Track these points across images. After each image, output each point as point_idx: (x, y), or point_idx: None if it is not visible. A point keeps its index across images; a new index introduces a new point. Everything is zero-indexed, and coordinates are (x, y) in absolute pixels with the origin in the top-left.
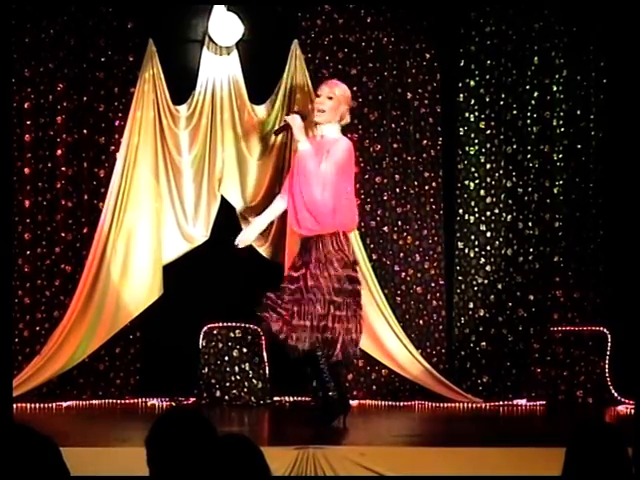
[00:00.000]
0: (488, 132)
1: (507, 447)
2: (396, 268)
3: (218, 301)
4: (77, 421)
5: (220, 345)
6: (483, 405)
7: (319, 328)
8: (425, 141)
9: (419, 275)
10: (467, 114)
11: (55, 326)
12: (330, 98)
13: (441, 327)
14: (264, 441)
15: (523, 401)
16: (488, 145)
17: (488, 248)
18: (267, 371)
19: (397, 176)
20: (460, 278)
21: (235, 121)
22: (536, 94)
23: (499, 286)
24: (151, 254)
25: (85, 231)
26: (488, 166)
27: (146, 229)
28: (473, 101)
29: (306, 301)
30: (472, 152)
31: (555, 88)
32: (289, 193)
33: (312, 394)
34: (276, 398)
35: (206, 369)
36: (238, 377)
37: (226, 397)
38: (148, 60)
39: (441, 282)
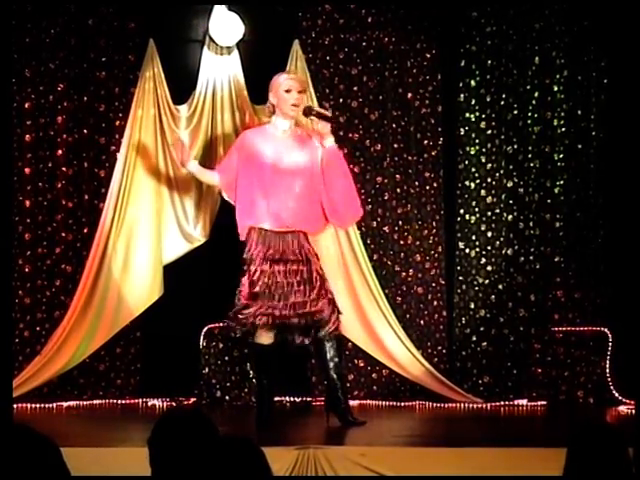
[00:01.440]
0: (489, 132)
1: (508, 447)
2: (397, 268)
3: (219, 301)
4: (77, 421)
5: (221, 345)
6: (484, 405)
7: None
8: (426, 141)
9: (420, 275)
10: (468, 114)
11: (55, 326)
12: (300, 92)
13: (442, 327)
14: (264, 441)
15: (524, 401)
16: (489, 145)
17: (489, 248)
18: None
19: (398, 176)
20: (461, 278)
21: (236, 121)
22: (537, 94)
23: (500, 286)
24: (151, 254)
25: (85, 231)
26: (489, 166)
27: (146, 229)
28: (474, 101)
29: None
30: (473, 152)
31: (556, 88)
32: (327, 190)
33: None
34: (277, 398)
35: (207, 369)
36: (239, 377)
37: (227, 397)
38: (149, 60)
39: (442, 282)
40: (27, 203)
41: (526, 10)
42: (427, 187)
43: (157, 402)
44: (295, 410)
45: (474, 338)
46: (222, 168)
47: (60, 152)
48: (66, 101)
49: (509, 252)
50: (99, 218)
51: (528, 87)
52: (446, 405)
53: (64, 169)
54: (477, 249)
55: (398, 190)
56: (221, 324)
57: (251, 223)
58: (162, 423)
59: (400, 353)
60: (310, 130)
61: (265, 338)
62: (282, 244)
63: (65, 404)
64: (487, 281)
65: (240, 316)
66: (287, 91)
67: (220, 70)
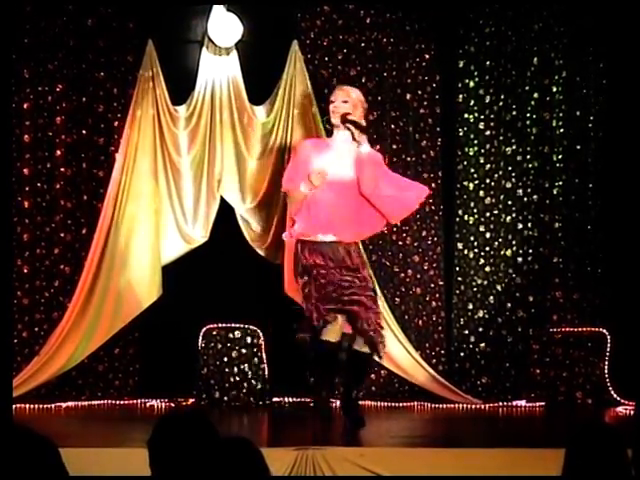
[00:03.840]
0: (487, 133)
1: (506, 448)
2: (395, 269)
3: (217, 302)
4: (76, 422)
5: (219, 346)
6: (482, 406)
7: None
8: (424, 142)
9: (418, 276)
10: (466, 115)
11: (54, 327)
12: (345, 102)
13: (440, 328)
14: (263, 442)
15: (522, 402)
16: (487, 146)
17: (487, 249)
18: (266, 372)
19: None
20: (459, 279)
21: (234, 122)
22: (536, 95)
23: (498, 287)
24: (150, 254)
25: (84, 232)
26: (487, 167)
27: (145, 229)
28: (472, 102)
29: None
30: (471, 153)
31: (555, 89)
32: (376, 193)
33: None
34: (275, 399)
35: (205, 370)
36: (237, 378)
37: (225, 398)
38: (147, 61)
39: (440, 283)
40: (26, 204)
41: (525, 11)
42: None
43: (156, 403)
44: (294, 410)
45: (472, 339)
46: (288, 178)
47: (59, 153)
48: (65, 102)
49: (508, 253)
50: (98, 219)
51: (527, 88)
52: (445, 406)
53: (63, 170)
54: (476, 250)
55: None
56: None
57: (303, 232)
58: (162, 424)
59: (399, 354)
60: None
61: (332, 334)
62: (332, 253)
63: (64, 405)
64: (486, 282)
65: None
66: (331, 101)
67: (219, 71)
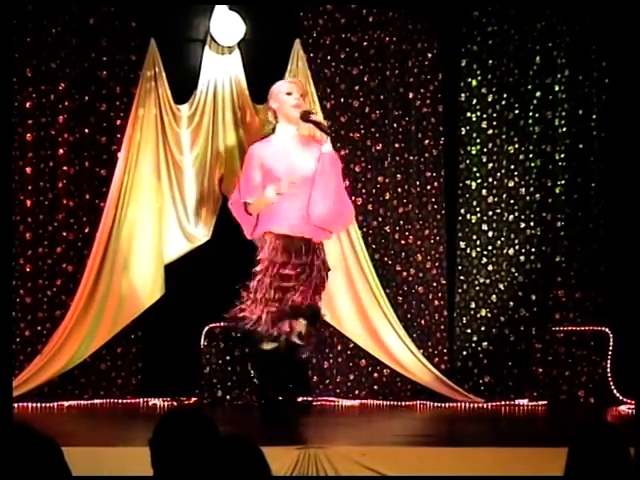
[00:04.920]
0: (490, 132)
1: (508, 447)
2: (398, 268)
3: (220, 301)
4: (78, 421)
5: (222, 345)
6: (485, 405)
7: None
8: (427, 141)
9: (421, 275)
10: (469, 114)
11: (56, 326)
12: (303, 95)
13: (443, 327)
14: (265, 441)
15: (525, 401)
16: (490, 145)
17: (490, 248)
18: None
19: (399, 176)
20: (462, 278)
21: (237, 121)
22: (538, 94)
23: (501, 286)
24: (153, 253)
25: (87, 231)
26: (490, 166)
27: (148, 228)
28: (475, 101)
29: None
30: (474, 152)
31: (557, 88)
32: (317, 194)
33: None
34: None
35: (208, 369)
36: (240, 377)
37: (228, 397)
38: (150, 59)
39: (443, 282)
40: (28, 202)
41: (527, 10)
42: (428, 187)
43: (158, 402)
44: (296, 410)
45: (475, 338)
46: (249, 192)
47: (61, 151)
48: (67, 100)
49: (510, 252)
50: (100, 217)
51: (529, 87)
52: (447, 405)
53: (65, 168)
54: (478, 249)
55: (399, 190)
56: (223, 323)
57: (268, 228)
58: (163, 424)
59: (401, 353)
60: (311, 134)
61: (266, 344)
62: (294, 249)
63: (66, 403)
64: (488, 281)
65: (245, 319)
66: (288, 94)
67: (221, 69)
